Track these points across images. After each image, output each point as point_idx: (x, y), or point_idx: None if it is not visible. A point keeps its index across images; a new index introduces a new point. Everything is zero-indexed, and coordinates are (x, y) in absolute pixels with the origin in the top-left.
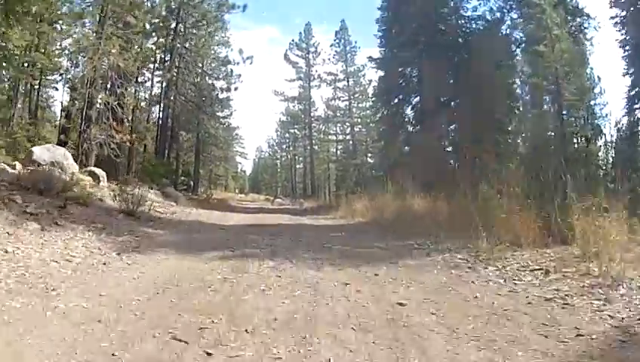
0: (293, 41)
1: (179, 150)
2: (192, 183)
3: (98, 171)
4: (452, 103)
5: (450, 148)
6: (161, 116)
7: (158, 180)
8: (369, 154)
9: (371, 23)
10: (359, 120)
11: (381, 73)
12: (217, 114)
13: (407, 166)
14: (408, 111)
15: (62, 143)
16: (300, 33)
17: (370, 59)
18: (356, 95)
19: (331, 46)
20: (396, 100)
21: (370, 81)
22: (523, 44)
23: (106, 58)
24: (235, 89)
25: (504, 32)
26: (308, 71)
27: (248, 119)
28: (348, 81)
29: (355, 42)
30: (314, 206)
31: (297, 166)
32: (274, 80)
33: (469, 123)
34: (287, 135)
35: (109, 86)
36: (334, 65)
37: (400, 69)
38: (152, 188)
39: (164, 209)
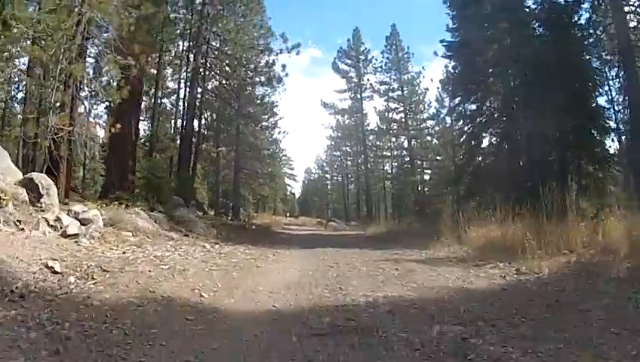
0: (341, 49)
1: (219, 167)
2: (231, 205)
3: (40, 180)
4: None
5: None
6: (184, 118)
7: (166, 198)
8: (427, 171)
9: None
10: (416, 132)
11: (452, 62)
12: (258, 116)
13: (489, 178)
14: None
15: None
16: (349, 40)
17: (443, 43)
18: (412, 105)
19: (382, 52)
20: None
21: (427, 89)
22: None
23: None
24: (279, 82)
25: None
26: (359, 81)
27: (296, 141)
28: (402, 91)
29: (408, 48)
30: (380, 232)
31: (349, 186)
32: (320, 100)
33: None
34: (337, 153)
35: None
36: (387, 74)
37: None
38: (152, 210)
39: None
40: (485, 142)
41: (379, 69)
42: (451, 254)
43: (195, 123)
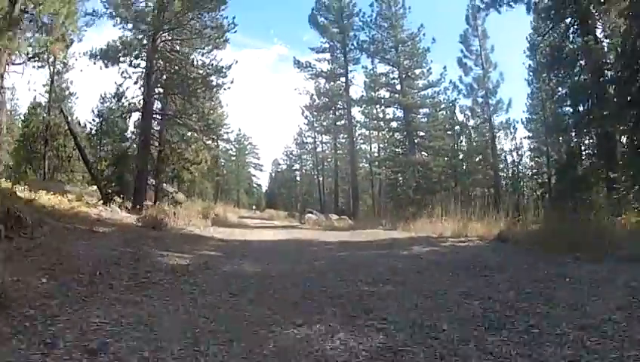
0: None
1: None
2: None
3: None
4: None
5: None
6: None
7: None
8: (430, 152)
9: None
10: (414, 101)
11: None
12: None
13: None
14: None
15: None
16: None
17: None
18: (409, 70)
19: (371, 5)
20: None
21: (428, 48)
22: None
23: None
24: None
25: None
26: (343, 38)
27: (263, 135)
28: (397, 50)
29: (403, 1)
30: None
31: (324, 174)
32: (293, 59)
33: None
34: (310, 135)
35: None
36: (378, 31)
37: None
38: None
39: None
40: None
41: (368, 25)
42: None
43: None
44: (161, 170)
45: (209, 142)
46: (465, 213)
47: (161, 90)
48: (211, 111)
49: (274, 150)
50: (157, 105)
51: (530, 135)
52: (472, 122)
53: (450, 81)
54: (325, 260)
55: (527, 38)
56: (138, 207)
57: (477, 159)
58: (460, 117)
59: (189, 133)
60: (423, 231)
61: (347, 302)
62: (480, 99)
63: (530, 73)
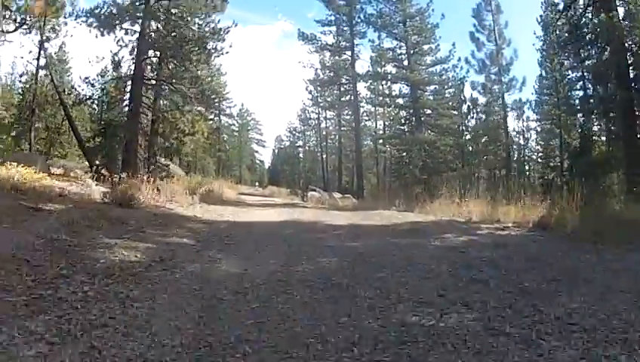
0: None
1: None
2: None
3: None
4: None
5: None
6: None
7: None
8: (437, 130)
9: None
10: (421, 77)
11: None
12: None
13: None
14: None
15: None
16: None
17: None
18: (417, 46)
19: None
20: None
21: (437, 24)
22: None
23: None
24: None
25: None
26: (350, 10)
27: (267, 112)
28: (405, 25)
29: None
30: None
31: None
32: (298, 31)
33: None
34: (314, 110)
35: None
36: (386, 4)
37: None
38: None
39: None
40: None
41: None
42: None
43: None
44: (153, 142)
45: (205, 112)
46: (490, 195)
47: (154, 56)
48: (208, 79)
49: (277, 127)
50: (151, 73)
51: (538, 117)
52: (482, 100)
53: (459, 59)
54: (336, 255)
55: (540, 17)
56: (118, 180)
57: (483, 140)
58: (471, 94)
59: (183, 102)
60: (443, 213)
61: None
62: (493, 76)
63: (543, 52)
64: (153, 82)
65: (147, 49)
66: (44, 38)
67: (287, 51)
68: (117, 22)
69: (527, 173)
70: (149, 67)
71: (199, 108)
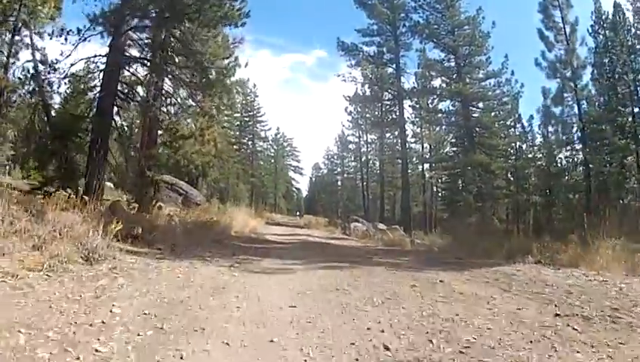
0: None
1: None
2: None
3: None
4: None
5: None
6: None
7: None
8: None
9: None
10: (478, 92)
11: None
12: None
13: None
14: None
15: None
16: None
17: None
18: (470, 53)
19: None
20: None
21: (488, 33)
22: None
23: None
24: None
25: None
26: (393, 19)
27: (303, 142)
28: (454, 34)
29: None
30: None
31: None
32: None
33: None
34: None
35: None
36: (433, 11)
37: None
38: None
39: None
40: None
41: (421, 6)
42: None
43: None
44: (150, 155)
45: (218, 114)
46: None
47: (140, 23)
48: (214, 57)
49: (314, 156)
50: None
51: None
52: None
53: (512, 72)
54: None
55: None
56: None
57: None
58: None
59: (187, 94)
60: (615, 270)
61: None
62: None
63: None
64: (139, 63)
65: (132, 14)
66: None
67: (323, 80)
68: None
69: None
70: (134, 40)
71: (208, 109)
